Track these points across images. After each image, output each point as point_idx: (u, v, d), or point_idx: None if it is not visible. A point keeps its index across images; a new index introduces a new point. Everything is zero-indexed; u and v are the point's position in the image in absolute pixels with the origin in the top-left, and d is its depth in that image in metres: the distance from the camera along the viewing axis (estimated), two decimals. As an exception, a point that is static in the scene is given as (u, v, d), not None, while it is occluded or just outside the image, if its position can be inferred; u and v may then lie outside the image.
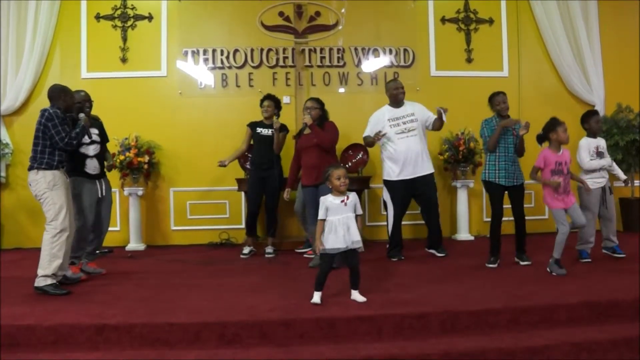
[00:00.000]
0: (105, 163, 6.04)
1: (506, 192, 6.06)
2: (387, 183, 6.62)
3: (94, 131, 5.78)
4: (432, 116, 6.53)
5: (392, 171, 6.52)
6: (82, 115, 5.42)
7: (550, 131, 5.59)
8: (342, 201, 4.50)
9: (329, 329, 4.07)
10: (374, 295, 4.67)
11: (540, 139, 5.75)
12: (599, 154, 6.04)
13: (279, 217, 7.27)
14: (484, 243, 6.55)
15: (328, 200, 4.53)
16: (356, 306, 4.39)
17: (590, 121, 6.14)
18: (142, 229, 7.83)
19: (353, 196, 4.58)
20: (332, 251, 4.47)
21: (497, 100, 6.09)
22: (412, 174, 6.46)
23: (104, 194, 5.88)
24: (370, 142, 6.53)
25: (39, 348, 3.91)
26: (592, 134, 6.14)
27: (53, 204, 5.01)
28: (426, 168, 6.51)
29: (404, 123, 6.49)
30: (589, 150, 6.02)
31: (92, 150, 5.74)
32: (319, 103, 6.49)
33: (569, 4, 8.46)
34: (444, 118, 6.29)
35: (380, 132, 6.37)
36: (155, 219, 8.12)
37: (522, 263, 6.03)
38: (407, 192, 6.55)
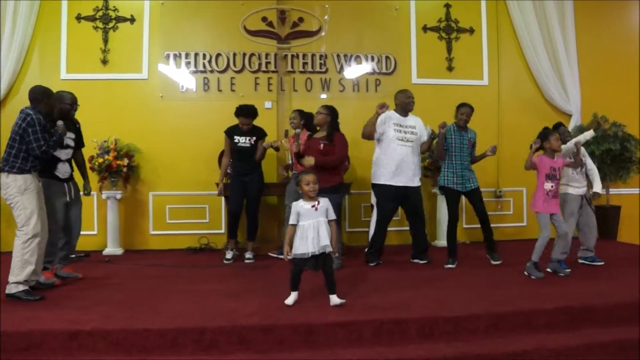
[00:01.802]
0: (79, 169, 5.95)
1: (464, 197, 6.44)
2: (376, 187, 6.65)
3: (70, 135, 5.68)
4: (425, 136, 6.60)
5: (383, 175, 6.53)
6: (60, 123, 5.31)
7: (544, 140, 5.76)
8: (313, 206, 4.59)
9: (308, 334, 4.05)
10: (353, 300, 4.67)
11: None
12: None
13: (260, 222, 7.22)
14: (464, 250, 6.63)
15: (299, 206, 4.62)
16: (335, 312, 4.38)
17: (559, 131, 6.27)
18: (120, 233, 7.75)
19: (324, 201, 4.66)
20: (301, 256, 4.53)
21: (462, 110, 6.42)
22: (405, 182, 6.50)
23: (72, 197, 5.75)
24: (371, 124, 6.46)
25: (10, 355, 3.83)
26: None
27: (24, 209, 4.89)
28: (417, 180, 6.59)
29: (406, 132, 6.54)
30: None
31: (64, 154, 5.62)
32: (327, 109, 6.38)
33: (547, 15, 8.60)
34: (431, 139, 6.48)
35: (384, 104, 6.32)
36: (134, 223, 8.04)
37: (493, 262, 6.28)
38: (396, 198, 6.59)
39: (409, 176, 6.50)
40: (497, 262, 6.26)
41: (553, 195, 5.70)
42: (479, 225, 6.51)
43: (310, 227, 4.53)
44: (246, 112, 6.90)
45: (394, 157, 6.47)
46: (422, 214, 6.67)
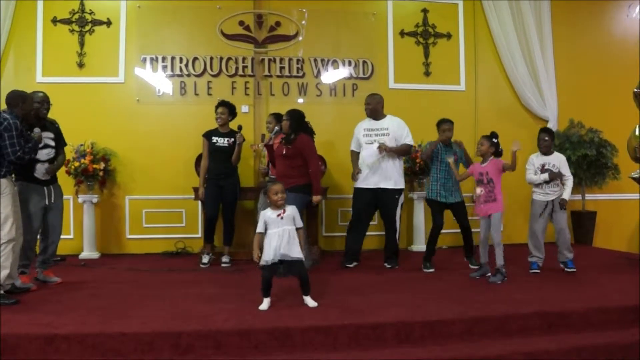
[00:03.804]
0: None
1: (448, 209, 6.56)
2: (354, 190, 6.81)
3: (49, 135, 5.60)
4: (402, 141, 6.65)
5: (359, 179, 6.68)
6: (37, 129, 5.26)
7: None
8: (279, 215, 4.70)
9: (284, 339, 4.05)
10: (329, 305, 4.69)
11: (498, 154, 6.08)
12: (544, 171, 6.22)
13: (236, 226, 7.21)
14: (441, 254, 6.70)
15: (267, 215, 4.74)
16: (311, 316, 4.38)
17: (538, 138, 6.40)
18: (96, 237, 7.69)
19: (290, 209, 4.78)
20: (266, 262, 4.63)
21: (445, 127, 6.49)
22: (376, 184, 6.58)
23: (52, 200, 5.66)
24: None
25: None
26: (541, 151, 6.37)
27: None
28: (392, 183, 6.61)
29: (376, 135, 6.64)
30: (533, 165, 6.31)
31: (44, 154, 5.55)
32: (288, 114, 6.42)
33: (524, 22, 8.68)
34: (379, 152, 6.51)
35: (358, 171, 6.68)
36: (110, 227, 7.98)
37: (471, 266, 6.48)
38: (369, 201, 6.67)
39: (381, 177, 6.57)
40: (476, 267, 6.32)
41: (484, 200, 5.89)
42: (456, 231, 6.62)
43: (275, 235, 4.64)
44: (226, 103, 7.04)
45: (365, 160, 6.63)
46: (392, 218, 6.67)
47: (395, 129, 6.65)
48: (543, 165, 6.22)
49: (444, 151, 6.45)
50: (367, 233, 6.96)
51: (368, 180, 6.61)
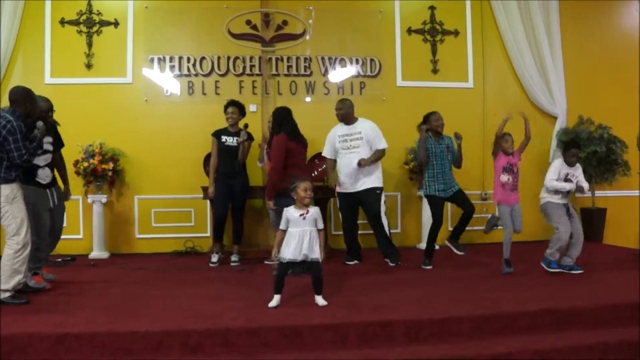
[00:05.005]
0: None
1: (449, 202, 6.62)
2: (337, 195, 6.97)
3: (48, 139, 5.50)
4: (375, 147, 6.66)
5: (342, 186, 6.78)
6: (40, 123, 5.08)
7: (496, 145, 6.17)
8: (301, 215, 4.68)
9: (294, 337, 4.06)
10: (338, 303, 4.69)
11: (494, 154, 6.25)
12: (567, 180, 6.14)
13: (245, 225, 7.22)
14: (447, 252, 6.68)
15: (289, 212, 4.71)
16: (320, 314, 4.39)
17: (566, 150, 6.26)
18: (105, 237, 7.71)
19: (314, 210, 4.75)
20: (284, 260, 4.62)
21: (435, 117, 6.51)
22: (353, 188, 6.68)
23: (56, 202, 5.67)
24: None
25: (-5, 358, 3.82)
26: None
27: (14, 218, 4.80)
28: (367, 183, 6.64)
29: (351, 140, 6.69)
30: (558, 173, 6.15)
31: (42, 160, 5.47)
32: (272, 115, 6.61)
33: (532, 17, 8.63)
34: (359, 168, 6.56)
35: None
36: (119, 227, 8.00)
37: (456, 251, 6.56)
38: (351, 203, 6.82)
39: (357, 181, 6.65)
40: (461, 253, 6.46)
41: (511, 188, 6.05)
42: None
43: (296, 235, 4.63)
44: (236, 103, 7.08)
45: (342, 166, 6.77)
46: (376, 215, 6.66)
47: (368, 132, 6.66)
48: (567, 175, 6.15)
49: (437, 144, 6.43)
50: (370, 231, 6.96)
51: (344, 185, 6.73)
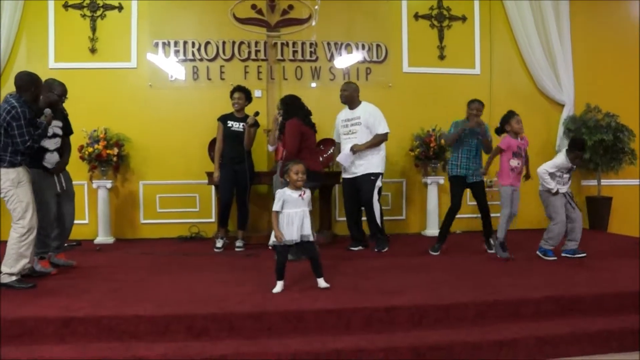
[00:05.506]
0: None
1: (468, 189, 6.60)
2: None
3: (57, 124, 5.51)
4: (374, 131, 6.63)
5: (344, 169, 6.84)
6: (47, 110, 5.09)
7: (505, 123, 6.11)
8: (300, 195, 4.70)
9: (298, 321, 4.06)
10: (342, 288, 4.70)
11: (498, 131, 6.27)
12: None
13: (250, 210, 7.22)
14: (455, 238, 6.67)
15: (286, 194, 4.71)
16: (324, 299, 4.39)
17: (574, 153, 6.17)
18: (110, 222, 7.74)
19: (309, 192, 4.81)
20: (287, 242, 4.64)
21: (473, 106, 6.45)
22: (351, 173, 6.72)
23: (64, 187, 5.65)
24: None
25: (2, 341, 3.81)
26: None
27: (19, 202, 4.81)
28: (363, 169, 6.64)
29: (352, 125, 6.72)
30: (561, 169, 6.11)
31: (52, 144, 5.48)
32: (280, 102, 6.58)
33: (541, 4, 8.56)
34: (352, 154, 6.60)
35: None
36: (125, 212, 8.02)
37: (489, 251, 6.46)
38: (351, 189, 6.81)
39: (354, 166, 6.69)
40: (493, 251, 6.32)
41: (519, 172, 6.09)
42: (469, 215, 6.57)
43: (297, 215, 4.65)
44: (243, 88, 7.08)
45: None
46: (367, 202, 6.63)
47: (367, 117, 6.64)
48: (569, 169, 6.12)
49: (469, 131, 6.39)
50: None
51: (349, 170, 6.75)
